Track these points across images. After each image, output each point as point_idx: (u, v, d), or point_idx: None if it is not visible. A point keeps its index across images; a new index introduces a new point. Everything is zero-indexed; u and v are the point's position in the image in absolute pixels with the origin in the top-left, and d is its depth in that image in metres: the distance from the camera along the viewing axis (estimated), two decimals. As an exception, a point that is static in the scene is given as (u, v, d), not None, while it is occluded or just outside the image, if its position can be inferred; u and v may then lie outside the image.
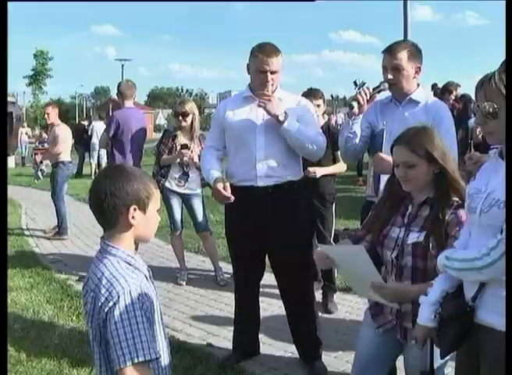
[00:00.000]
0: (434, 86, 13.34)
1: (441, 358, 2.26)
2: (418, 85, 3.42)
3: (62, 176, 8.19)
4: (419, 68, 3.37)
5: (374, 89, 3.35)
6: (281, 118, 3.49)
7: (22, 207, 11.06)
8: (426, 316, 2.21)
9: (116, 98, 6.42)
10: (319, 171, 4.85)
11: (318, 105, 5.26)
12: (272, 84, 3.56)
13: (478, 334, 2.01)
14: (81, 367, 3.83)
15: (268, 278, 5.91)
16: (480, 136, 8.41)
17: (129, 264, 1.89)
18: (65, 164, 8.17)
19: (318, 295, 5.18)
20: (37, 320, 4.81)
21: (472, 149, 8.54)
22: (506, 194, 1.89)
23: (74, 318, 4.81)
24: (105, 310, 1.78)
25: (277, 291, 5.69)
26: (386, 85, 3.35)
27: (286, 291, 3.88)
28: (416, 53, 3.35)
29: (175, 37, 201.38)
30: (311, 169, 5.04)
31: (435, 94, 10.19)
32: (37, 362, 3.97)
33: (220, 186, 3.55)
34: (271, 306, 5.05)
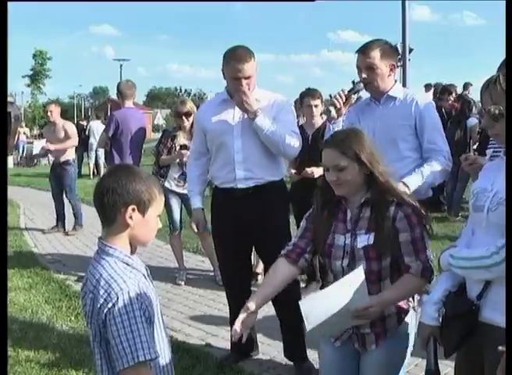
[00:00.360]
0: (427, 86, 13.41)
1: (445, 357, 2.24)
2: (396, 81, 3.44)
3: (75, 174, 8.64)
4: (393, 65, 3.38)
5: (349, 91, 3.36)
6: (251, 116, 3.52)
7: (20, 207, 11.05)
8: (430, 315, 2.22)
9: (115, 97, 6.41)
10: (317, 171, 4.84)
11: (316, 105, 5.28)
12: (248, 89, 3.54)
13: (482, 333, 2.02)
14: (80, 367, 3.83)
15: (267, 278, 5.93)
16: (478, 136, 8.43)
17: (127, 264, 1.89)
18: (74, 161, 8.62)
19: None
20: (35, 320, 4.81)
21: (472, 149, 8.53)
22: (507, 194, 1.91)
23: (73, 318, 4.81)
24: (104, 311, 1.78)
25: (276, 291, 5.67)
26: (362, 85, 3.36)
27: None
28: (389, 51, 3.36)
29: (173, 37, 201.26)
30: (308, 169, 5.04)
31: (434, 94, 10.22)
32: (36, 362, 3.97)
33: (193, 225, 3.95)
34: (268, 306, 5.03)
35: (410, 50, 19.40)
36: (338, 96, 3.35)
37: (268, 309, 4.98)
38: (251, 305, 2.31)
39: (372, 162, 2.34)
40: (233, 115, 3.65)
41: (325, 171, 2.43)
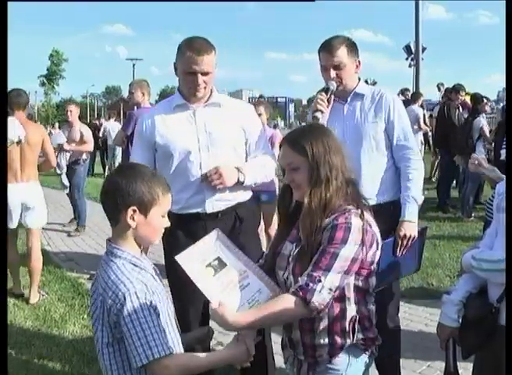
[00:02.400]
0: (440, 86, 13.34)
1: (463, 359, 2.22)
2: (359, 79, 3.26)
3: (84, 173, 8.67)
4: (359, 62, 3.22)
5: (326, 92, 3.11)
6: (241, 179, 3.00)
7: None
8: (450, 316, 2.20)
9: (130, 97, 6.40)
10: None
11: None
12: (205, 87, 2.96)
13: (501, 336, 1.99)
14: (92, 365, 3.84)
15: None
16: (490, 136, 8.35)
17: (135, 265, 1.91)
18: (85, 161, 8.58)
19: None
20: (48, 318, 4.83)
21: (483, 147, 8.42)
22: (507, 194, 1.89)
23: (85, 316, 4.83)
24: (114, 312, 1.81)
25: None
26: (334, 83, 3.13)
27: None
28: (353, 47, 3.18)
29: (187, 36, 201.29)
30: None
31: (445, 94, 10.16)
32: (49, 359, 3.99)
33: None
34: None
35: (424, 49, 19.32)
36: (320, 101, 3.08)
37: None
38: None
39: (320, 164, 2.04)
40: (195, 122, 3.02)
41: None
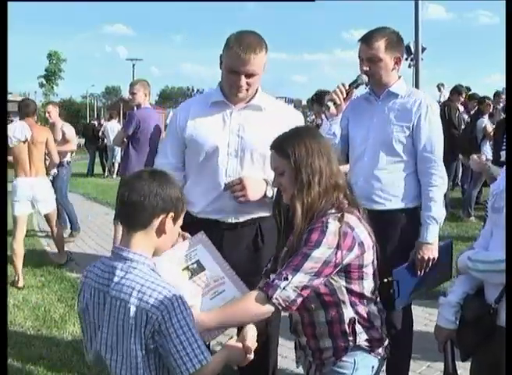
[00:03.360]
0: (439, 86, 13.36)
1: (462, 361, 2.21)
2: (400, 77, 3.13)
3: (67, 176, 8.26)
4: (399, 59, 3.07)
5: (350, 84, 3.01)
6: (269, 194, 2.70)
7: (33, 206, 11.09)
8: (447, 318, 2.19)
9: (130, 97, 6.38)
10: None
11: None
12: (247, 89, 2.70)
13: (499, 337, 1.98)
14: (92, 366, 3.84)
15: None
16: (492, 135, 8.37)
17: (153, 270, 1.85)
18: (69, 164, 8.28)
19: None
20: (48, 319, 4.84)
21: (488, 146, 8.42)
22: (507, 194, 1.90)
23: (85, 316, 4.83)
24: (158, 319, 1.72)
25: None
26: (365, 78, 3.03)
27: None
28: (395, 42, 3.04)
29: (187, 36, 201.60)
30: None
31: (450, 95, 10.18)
32: (48, 360, 4.00)
33: None
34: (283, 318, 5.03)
35: (423, 49, 19.31)
36: (338, 90, 2.98)
37: (283, 321, 4.98)
38: None
39: (302, 167, 2.03)
40: (230, 125, 2.76)
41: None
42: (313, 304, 2.06)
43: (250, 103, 2.78)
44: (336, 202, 2.05)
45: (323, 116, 3.16)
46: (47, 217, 6.51)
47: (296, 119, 2.84)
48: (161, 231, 1.85)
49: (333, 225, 1.97)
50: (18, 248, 5.93)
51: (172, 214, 1.85)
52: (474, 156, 3.11)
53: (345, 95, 2.99)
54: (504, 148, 3.08)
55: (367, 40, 3.01)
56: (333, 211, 2.02)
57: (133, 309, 1.74)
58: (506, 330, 1.87)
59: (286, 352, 4.10)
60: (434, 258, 2.98)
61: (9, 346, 4.01)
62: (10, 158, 5.90)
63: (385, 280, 3.09)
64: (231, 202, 2.70)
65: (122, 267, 1.81)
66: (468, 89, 11.94)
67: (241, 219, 2.76)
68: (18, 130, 5.96)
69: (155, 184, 1.83)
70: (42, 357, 4.04)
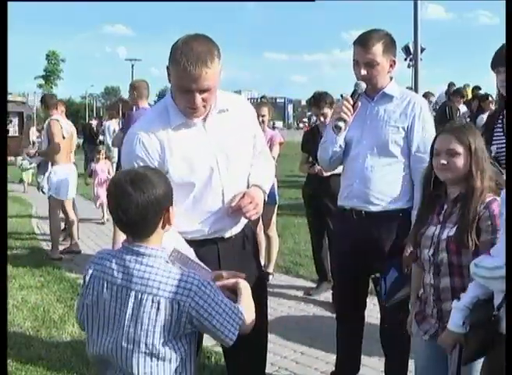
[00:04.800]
0: (451, 85, 13.32)
1: (462, 365, 2.23)
2: (391, 79, 3.12)
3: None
4: (394, 61, 3.07)
5: (352, 96, 2.98)
6: (265, 198, 2.63)
7: (32, 207, 11.10)
8: (455, 321, 2.21)
9: (127, 97, 6.40)
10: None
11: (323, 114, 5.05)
12: (205, 106, 2.39)
13: (501, 344, 1.97)
14: (91, 366, 3.83)
15: (278, 278, 5.92)
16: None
17: (167, 262, 1.94)
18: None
19: (328, 295, 5.17)
20: (47, 319, 4.83)
21: None
22: (507, 194, 1.89)
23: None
24: (192, 306, 1.84)
25: (287, 291, 5.63)
26: (363, 85, 3.00)
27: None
28: (391, 45, 3.04)
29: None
30: (317, 167, 4.94)
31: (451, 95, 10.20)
32: (47, 360, 3.99)
33: None
34: (280, 306, 5.04)
35: (422, 49, 19.30)
36: (345, 108, 2.93)
37: (282, 309, 4.99)
38: None
39: (479, 159, 2.40)
40: (208, 139, 2.47)
41: (436, 155, 2.46)
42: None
43: (216, 109, 2.50)
44: (492, 189, 2.39)
45: (331, 131, 3.09)
46: (67, 203, 7.19)
47: (251, 110, 2.70)
48: (166, 223, 1.95)
49: (497, 208, 2.28)
50: (72, 215, 7.16)
51: (169, 206, 1.94)
52: None
53: (352, 111, 2.97)
54: (494, 143, 3.01)
55: (364, 43, 2.98)
56: (495, 196, 2.34)
57: (162, 302, 1.84)
58: (506, 337, 1.86)
59: (286, 352, 4.11)
60: None
61: (8, 346, 3.99)
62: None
63: (373, 276, 3.11)
64: (231, 221, 2.56)
65: (142, 261, 1.89)
66: (478, 88, 11.91)
67: (235, 232, 2.63)
68: (65, 124, 7.16)
69: (145, 196, 1.86)
70: (41, 357, 4.03)
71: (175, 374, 1.91)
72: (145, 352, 1.87)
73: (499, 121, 3.03)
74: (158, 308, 1.84)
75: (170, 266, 1.92)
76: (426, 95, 10.75)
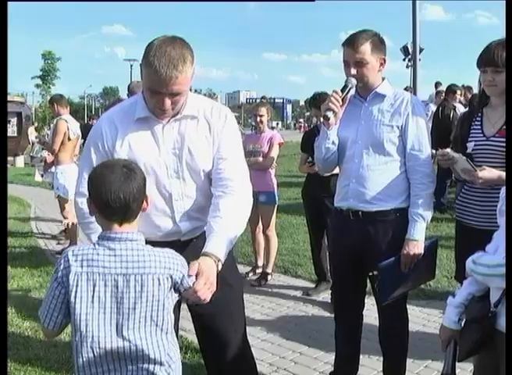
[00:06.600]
0: (437, 84, 13.35)
1: (458, 361, 2.23)
2: (383, 78, 3.14)
3: None
4: (384, 60, 3.08)
5: (342, 90, 3.01)
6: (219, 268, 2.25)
7: (31, 207, 11.09)
8: (450, 318, 2.22)
9: (126, 98, 6.40)
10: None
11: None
12: (174, 108, 2.40)
13: (497, 341, 1.98)
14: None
15: (277, 278, 5.93)
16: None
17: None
18: None
19: (327, 295, 5.18)
20: (46, 319, 4.82)
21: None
22: (507, 196, 1.89)
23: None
24: (180, 276, 2.06)
25: (286, 292, 5.63)
26: (354, 81, 3.02)
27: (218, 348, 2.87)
28: (379, 44, 3.06)
29: (186, 37, 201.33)
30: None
31: (445, 94, 10.22)
32: (46, 360, 3.99)
33: None
34: (279, 306, 5.04)
35: (421, 50, 19.33)
36: (334, 99, 2.97)
37: (281, 309, 4.99)
38: None
39: None
40: (163, 143, 2.47)
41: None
42: None
43: (181, 114, 2.47)
44: None
45: (322, 126, 3.15)
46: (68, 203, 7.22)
47: (231, 122, 2.58)
48: (142, 210, 2.12)
49: None
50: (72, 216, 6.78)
51: (146, 196, 2.10)
52: (440, 151, 3.00)
53: (341, 103, 3.00)
54: (471, 139, 2.98)
55: (352, 43, 3.02)
56: None
57: (161, 278, 2.01)
58: (506, 336, 1.86)
59: (284, 352, 4.12)
60: (419, 255, 3.04)
61: (7, 347, 4.00)
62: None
63: (370, 273, 3.12)
64: (185, 224, 2.53)
65: (132, 247, 2.02)
66: (469, 88, 11.95)
67: (196, 234, 2.58)
68: (72, 124, 7.31)
69: (139, 179, 2.06)
70: (40, 358, 4.03)
71: (173, 345, 2.09)
72: (154, 330, 2.02)
73: (478, 119, 3.04)
74: (160, 284, 2.00)
75: (149, 246, 2.07)
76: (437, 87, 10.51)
